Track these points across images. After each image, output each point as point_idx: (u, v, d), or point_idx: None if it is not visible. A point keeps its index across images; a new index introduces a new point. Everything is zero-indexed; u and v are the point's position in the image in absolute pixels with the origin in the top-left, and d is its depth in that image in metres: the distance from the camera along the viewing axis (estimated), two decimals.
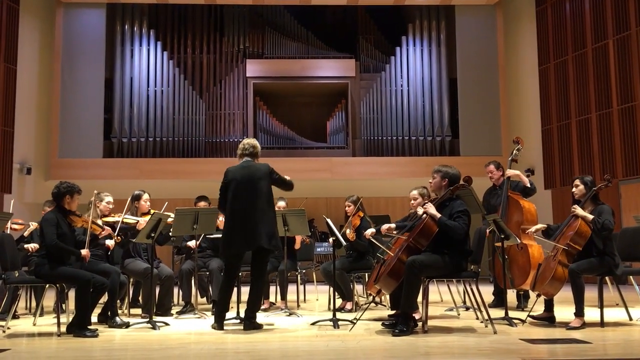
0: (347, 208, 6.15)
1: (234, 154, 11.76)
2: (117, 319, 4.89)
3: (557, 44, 10.68)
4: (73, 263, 4.75)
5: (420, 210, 4.72)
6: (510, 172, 5.84)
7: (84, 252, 4.67)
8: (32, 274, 4.78)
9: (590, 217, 4.67)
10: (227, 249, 4.82)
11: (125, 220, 5.39)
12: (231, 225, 4.77)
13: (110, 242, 5.19)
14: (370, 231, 5.34)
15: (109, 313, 4.95)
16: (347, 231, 5.84)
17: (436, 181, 4.70)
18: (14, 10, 10.29)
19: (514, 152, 5.95)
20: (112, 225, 5.26)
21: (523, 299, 5.87)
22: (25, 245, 5.63)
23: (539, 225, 5.09)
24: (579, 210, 4.74)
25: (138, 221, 5.45)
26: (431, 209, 4.48)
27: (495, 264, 5.75)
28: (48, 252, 4.58)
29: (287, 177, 4.97)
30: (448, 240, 4.42)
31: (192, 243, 5.90)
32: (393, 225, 5.00)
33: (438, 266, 4.40)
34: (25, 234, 6.05)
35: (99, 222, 5.11)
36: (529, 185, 5.89)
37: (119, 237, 5.25)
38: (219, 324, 4.71)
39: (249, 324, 4.68)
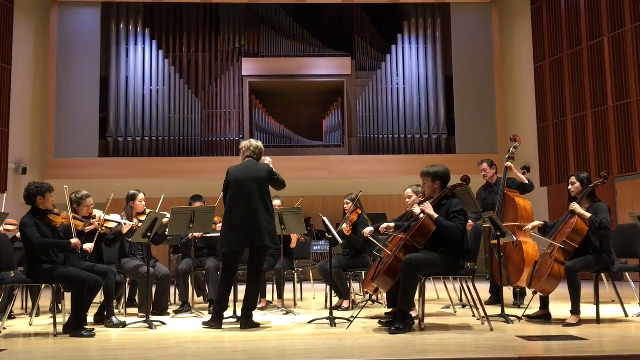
0: (345, 205, 6.15)
1: (231, 153, 11.78)
2: (114, 318, 4.87)
3: (553, 41, 10.70)
4: (73, 261, 4.73)
5: (416, 209, 4.72)
6: (509, 164, 5.84)
7: (74, 240, 4.59)
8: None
9: (588, 215, 4.67)
10: (226, 247, 4.80)
11: (106, 224, 5.14)
12: (231, 223, 4.78)
13: (89, 246, 4.91)
14: (368, 230, 5.35)
15: (105, 313, 4.93)
16: (344, 226, 5.85)
17: (428, 186, 4.69)
18: (8, 9, 10.25)
19: (511, 149, 5.94)
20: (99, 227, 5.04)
21: (519, 296, 5.88)
22: None
23: (536, 223, 5.08)
24: (577, 208, 4.75)
25: (120, 224, 5.25)
26: (429, 209, 4.49)
27: (492, 261, 5.77)
28: (34, 254, 4.50)
29: (281, 177, 4.97)
30: (445, 239, 4.42)
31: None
32: (392, 225, 5.00)
33: (435, 264, 4.41)
34: (19, 234, 6.00)
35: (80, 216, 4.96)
36: (526, 181, 5.91)
37: (103, 229, 5.02)
38: (218, 322, 4.70)
39: (246, 322, 4.69)
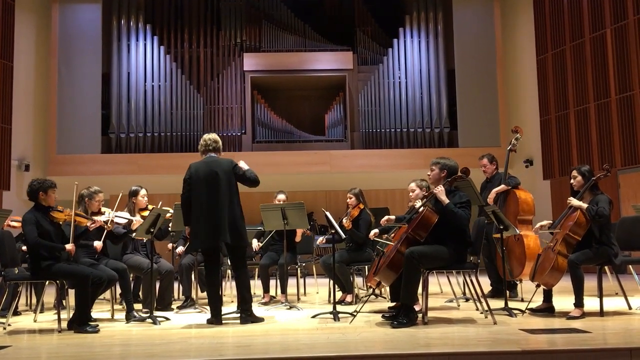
0: (348, 200, 6.16)
1: (233, 148, 11.79)
2: (135, 313, 4.93)
3: (555, 33, 10.65)
4: (79, 258, 4.74)
5: (418, 204, 4.72)
6: (501, 188, 5.79)
7: (69, 246, 4.60)
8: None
9: (585, 205, 4.67)
10: (192, 245, 4.83)
11: (116, 221, 5.17)
12: (195, 220, 4.72)
13: (98, 244, 5.01)
14: (373, 232, 5.36)
15: (126, 308, 4.98)
16: (344, 220, 5.86)
17: (435, 173, 4.69)
18: (9, 6, 10.24)
19: (513, 141, 5.92)
20: (105, 224, 5.06)
21: (511, 287, 5.86)
22: (23, 248, 5.61)
23: (545, 222, 5.07)
24: (574, 202, 4.75)
25: (132, 220, 5.31)
26: (441, 194, 4.46)
27: (496, 254, 5.79)
28: (34, 251, 4.53)
29: (251, 173, 4.78)
30: (447, 231, 4.43)
31: None
32: (393, 217, 5.01)
33: (437, 257, 4.40)
34: None
35: (83, 213, 4.96)
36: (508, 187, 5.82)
37: (109, 225, 5.02)
38: (217, 319, 4.71)
39: (245, 317, 4.68)
